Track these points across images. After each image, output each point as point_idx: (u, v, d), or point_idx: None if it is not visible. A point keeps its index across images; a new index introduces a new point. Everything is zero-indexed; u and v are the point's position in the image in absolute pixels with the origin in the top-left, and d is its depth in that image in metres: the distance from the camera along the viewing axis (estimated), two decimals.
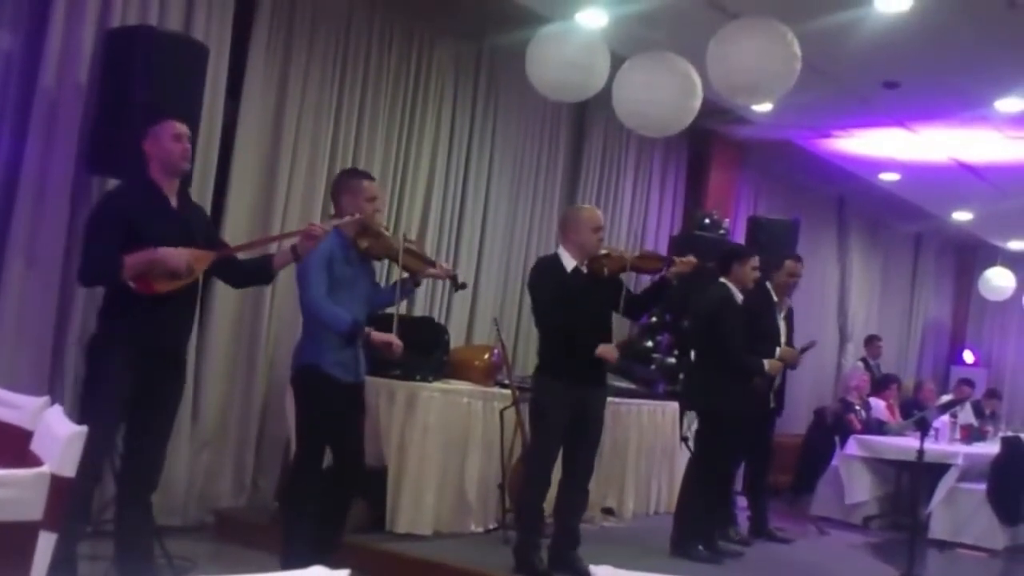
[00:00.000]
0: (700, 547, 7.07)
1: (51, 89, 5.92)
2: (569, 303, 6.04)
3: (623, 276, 6.27)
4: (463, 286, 6.13)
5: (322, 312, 5.30)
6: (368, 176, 5.69)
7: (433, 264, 5.80)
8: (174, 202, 4.93)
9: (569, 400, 6.05)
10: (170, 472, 6.35)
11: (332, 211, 5.70)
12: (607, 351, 6.07)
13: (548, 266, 6.26)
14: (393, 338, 5.42)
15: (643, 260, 6.32)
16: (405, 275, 5.60)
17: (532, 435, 6.28)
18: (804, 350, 7.88)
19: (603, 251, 6.23)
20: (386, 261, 6.68)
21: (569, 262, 6.16)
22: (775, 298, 7.94)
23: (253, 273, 5.37)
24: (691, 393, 7.66)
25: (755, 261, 7.38)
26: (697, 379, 7.52)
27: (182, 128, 4.97)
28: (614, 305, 6.19)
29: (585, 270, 6.17)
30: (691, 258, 6.27)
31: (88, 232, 4.91)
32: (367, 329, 5.41)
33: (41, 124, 5.91)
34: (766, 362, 7.30)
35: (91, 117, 5.94)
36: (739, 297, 7.23)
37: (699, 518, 7.14)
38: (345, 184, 5.57)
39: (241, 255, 5.44)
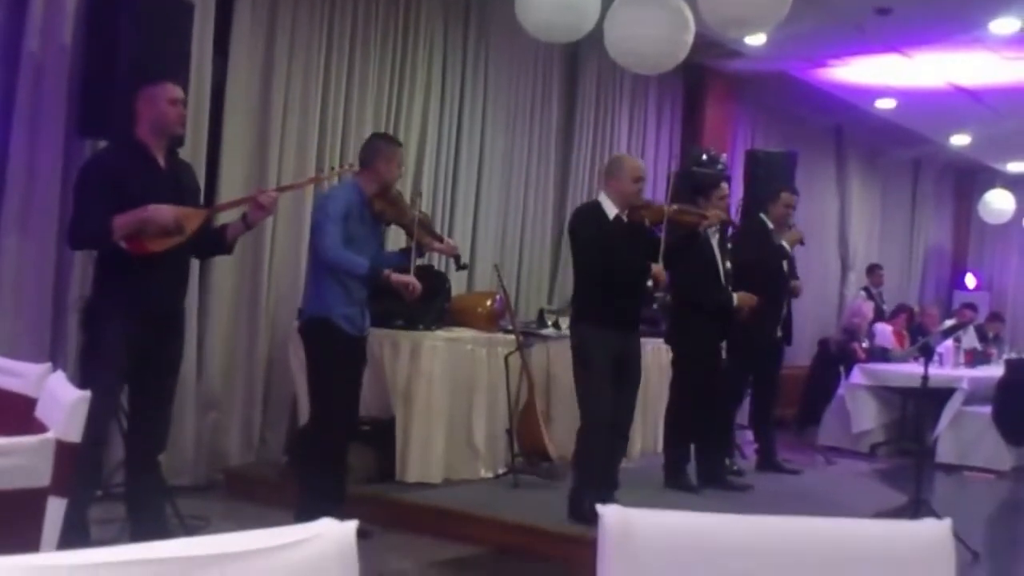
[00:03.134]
0: (685, 477, 7.21)
1: (36, 53, 5.86)
2: (610, 250, 6.04)
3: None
4: (465, 266, 6.50)
5: (341, 260, 5.44)
6: (400, 144, 5.92)
7: (441, 239, 5.97)
8: (162, 162, 4.91)
9: (611, 345, 6.05)
10: (178, 432, 6.39)
11: (356, 168, 5.81)
12: (659, 270, 6.03)
13: (590, 213, 6.27)
14: (412, 279, 5.54)
15: (680, 214, 6.32)
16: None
17: (580, 384, 6.18)
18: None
19: (642, 202, 6.26)
20: (392, 229, 6.74)
21: (611, 209, 6.16)
22: (770, 226, 7.89)
23: (210, 244, 5.24)
24: (667, 330, 7.67)
25: (721, 191, 7.31)
26: (671, 317, 7.57)
27: (178, 92, 5.00)
28: (653, 255, 6.12)
29: (625, 219, 6.16)
30: (720, 212, 6.67)
31: (76, 195, 4.91)
32: (386, 272, 5.51)
33: (28, 89, 5.86)
34: (736, 295, 7.24)
35: (78, 79, 5.89)
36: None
37: (679, 450, 7.28)
38: (383, 149, 5.71)
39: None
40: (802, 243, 8.20)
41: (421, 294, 5.72)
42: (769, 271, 7.64)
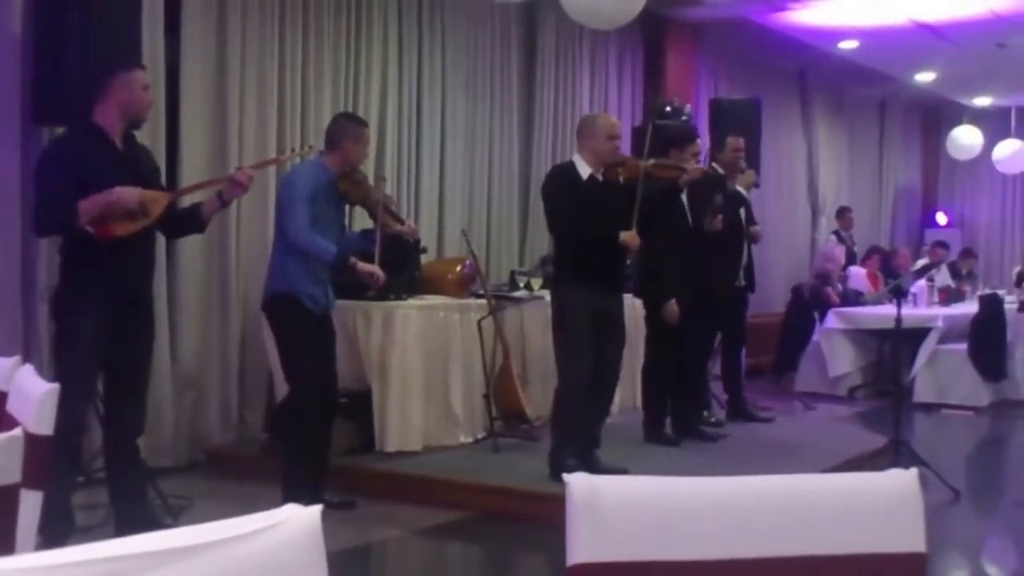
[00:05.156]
0: (664, 431, 7.26)
1: None
2: (584, 211, 5.98)
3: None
4: (424, 250, 6.74)
5: (309, 244, 5.44)
6: (366, 124, 5.94)
7: (402, 222, 6.04)
8: (120, 145, 4.90)
9: (591, 306, 6.01)
10: (156, 414, 6.39)
11: (322, 148, 5.79)
12: (630, 236, 5.97)
13: (562, 174, 6.20)
14: (376, 269, 5.58)
15: (659, 168, 6.25)
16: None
17: (558, 345, 6.16)
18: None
19: (618, 159, 6.18)
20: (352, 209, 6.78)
21: (584, 169, 6.09)
22: (722, 172, 7.79)
23: (185, 223, 5.31)
24: (636, 284, 7.62)
25: (695, 146, 7.27)
26: (642, 269, 7.53)
27: (148, 78, 5.09)
28: (628, 213, 6.03)
29: (600, 178, 6.10)
30: (700, 166, 6.65)
31: (38, 181, 4.90)
32: (352, 259, 5.55)
33: None
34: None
35: (30, 67, 5.82)
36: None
37: (658, 405, 7.32)
38: (351, 129, 5.72)
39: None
40: (756, 185, 8.15)
41: (391, 264, 5.77)
42: (727, 219, 7.54)
